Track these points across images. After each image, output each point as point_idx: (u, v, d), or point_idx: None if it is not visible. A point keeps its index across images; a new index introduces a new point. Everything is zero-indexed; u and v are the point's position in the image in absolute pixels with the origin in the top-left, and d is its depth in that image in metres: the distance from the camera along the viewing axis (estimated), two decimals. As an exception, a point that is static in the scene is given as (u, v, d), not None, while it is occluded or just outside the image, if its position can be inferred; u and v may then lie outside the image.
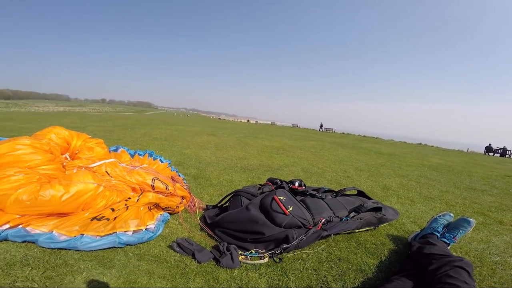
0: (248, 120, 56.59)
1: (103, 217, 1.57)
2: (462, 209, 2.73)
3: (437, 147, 17.69)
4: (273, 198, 1.66)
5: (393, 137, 25.98)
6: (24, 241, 1.37)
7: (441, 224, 1.69)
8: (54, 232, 1.40)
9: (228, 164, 3.84)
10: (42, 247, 1.34)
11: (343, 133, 25.46)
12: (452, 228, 1.65)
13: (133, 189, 1.92)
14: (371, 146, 10.74)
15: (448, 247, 1.58)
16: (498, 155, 18.97)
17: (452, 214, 1.74)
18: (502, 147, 19.74)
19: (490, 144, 20.39)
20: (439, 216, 1.73)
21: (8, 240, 1.37)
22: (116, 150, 2.86)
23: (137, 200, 1.76)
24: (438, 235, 1.63)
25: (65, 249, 1.35)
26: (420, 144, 19.15)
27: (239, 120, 49.24)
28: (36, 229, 1.41)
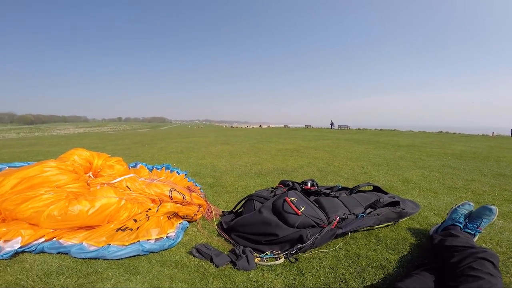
0: (260, 126, 56.77)
1: (127, 227, 1.69)
2: (491, 198, 2.55)
3: (460, 133, 16.81)
4: (285, 200, 1.67)
5: (412, 128, 25.00)
6: (58, 252, 1.51)
7: (461, 215, 1.61)
8: (84, 243, 1.53)
9: (243, 171, 3.88)
10: (74, 257, 1.47)
11: (358, 129, 24.89)
12: (474, 217, 1.58)
13: (153, 201, 2.04)
14: (389, 139, 10.40)
15: (474, 238, 1.52)
16: None
17: (472, 203, 1.66)
18: None
19: None
20: (458, 207, 1.65)
21: (44, 252, 1.51)
22: (135, 166, 3.06)
23: (157, 210, 1.87)
24: (461, 226, 1.56)
25: (95, 258, 1.46)
26: (441, 132, 18.27)
27: (251, 127, 49.50)
28: (68, 241, 1.55)
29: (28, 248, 1.50)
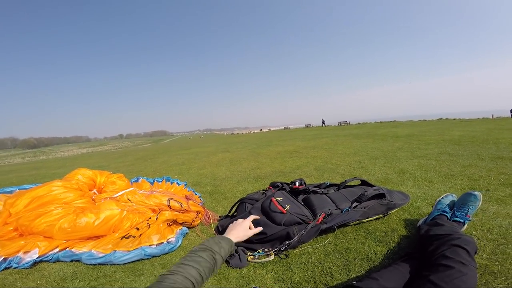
0: (261, 130, 56.88)
1: (130, 235, 1.86)
2: (487, 182, 2.49)
3: (459, 119, 16.73)
4: (271, 200, 1.77)
5: (412, 117, 24.91)
6: (72, 260, 1.71)
7: (446, 205, 1.61)
8: (93, 251, 1.72)
9: (242, 176, 3.97)
10: (85, 263, 1.65)
11: (358, 123, 24.88)
12: (460, 205, 1.56)
13: (153, 210, 2.22)
14: (388, 131, 10.40)
15: (464, 226, 1.49)
16: None
17: (454, 195, 1.68)
18: None
19: None
20: (442, 198, 1.67)
21: (60, 261, 1.72)
22: (137, 181, 3.27)
23: (156, 218, 2.03)
24: (448, 215, 1.53)
25: (103, 264, 1.64)
26: (441, 119, 18.17)
27: (252, 132, 49.67)
28: (79, 250, 1.74)
29: (45, 257, 1.70)
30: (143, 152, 13.09)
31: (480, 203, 1.56)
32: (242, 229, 1.01)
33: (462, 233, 1.25)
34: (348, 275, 1.30)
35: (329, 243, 1.60)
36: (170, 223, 2.05)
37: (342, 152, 5.46)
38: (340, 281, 1.26)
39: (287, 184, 2.21)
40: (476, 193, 1.55)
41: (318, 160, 4.77)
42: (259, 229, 1.07)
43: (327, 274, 1.33)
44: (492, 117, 17.33)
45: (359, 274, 1.30)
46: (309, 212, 1.71)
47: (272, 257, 1.49)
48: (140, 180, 3.29)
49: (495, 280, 1.13)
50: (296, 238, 1.53)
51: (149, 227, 1.95)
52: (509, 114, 18.96)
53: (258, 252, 1.55)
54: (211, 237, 0.92)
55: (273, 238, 1.59)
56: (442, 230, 1.26)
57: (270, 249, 1.55)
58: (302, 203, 1.83)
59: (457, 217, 1.49)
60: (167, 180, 3.35)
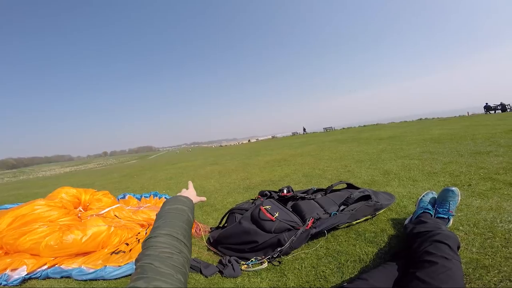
0: (249, 140, 57.10)
1: (120, 251, 1.84)
2: (468, 178, 2.56)
3: (438, 118, 17.53)
4: (260, 209, 1.79)
5: (394, 119, 25.87)
6: (62, 277, 1.68)
7: (428, 203, 1.65)
8: (83, 267, 1.69)
9: (231, 188, 3.95)
10: (76, 279, 1.61)
11: (343, 128, 25.50)
12: (441, 202, 1.60)
13: (142, 225, 2.20)
14: (371, 134, 10.71)
15: (450, 222, 1.52)
16: (500, 111, 18.64)
17: (434, 192, 1.72)
18: (499, 103, 19.47)
19: (487, 103, 20.15)
20: (423, 196, 1.72)
21: (50, 278, 1.68)
22: (124, 197, 3.25)
23: (146, 233, 2.03)
24: (432, 212, 1.57)
25: (95, 279, 1.60)
26: (421, 119, 18.96)
27: (240, 143, 49.77)
28: (69, 266, 1.71)
29: (34, 274, 1.68)
30: (129, 169, 12.76)
31: (459, 198, 1.60)
32: (191, 196, 1.00)
33: (443, 229, 1.27)
34: (342, 277, 1.31)
35: (321, 247, 1.62)
36: None
37: (329, 158, 5.56)
38: (334, 284, 1.27)
39: (275, 192, 2.23)
40: (453, 188, 1.60)
41: (306, 167, 4.82)
42: (204, 198, 1.10)
43: (321, 278, 1.33)
44: (468, 114, 18.33)
45: (353, 276, 1.31)
46: (298, 218, 1.74)
47: (265, 265, 1.50)
48: (127, 197, 3.28)
49: (488, 274, 1.13)
50: (287, 244, 1.54)
51: (139, 242, 1.94)
52: (483, 111, 20.14)
53: (251, 260, 1.55)
54: (171, 197, 0.91)
55: (264, 246, 1.60)
56: (425, 227, 1.28)
57: (263, 257, 1.55)
58: (291, 209, 1.85)
59: (441, 214, 1.53)
60: (155, 195, 3.35)
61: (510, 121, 8.16)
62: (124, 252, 1.82)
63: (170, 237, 0.67)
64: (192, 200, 0.93)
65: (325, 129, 29.88)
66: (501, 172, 2.57)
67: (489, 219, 1.61)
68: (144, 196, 3.32)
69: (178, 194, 0.98)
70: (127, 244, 1.91)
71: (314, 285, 1.29)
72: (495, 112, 18.87)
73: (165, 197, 3.23)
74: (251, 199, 2.30)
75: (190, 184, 1.11)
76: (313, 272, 1.39)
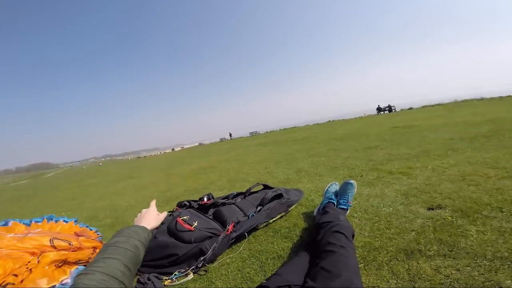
0: (173, 149, 53.90)
1: (8, 283, 1.52)
2: (360, 170, 2.93)
3: (342, 119, 20.77)
4: (176, 220, 1.71)
5: (309, 122, 29.31)
6: None
7: (332, 193, 1.80)
8: None
9: (148, 202, 3.57)
10: None
11: (266, 132, 27.14)
12: (342, 193, 1.75)
13: (32, 253, 1.81)
14: (289, 136, 11.74)
15: (348, 212, 1.68)
16: (388, 112, 22.85)
17: (337, 183, 1.91)
18: (387, 105, 24.35)
19: (378, 105, 25.13)
20: (329, 187, 1.89)
21: None
22: (5, 225, 2.55)
23: (38, 261, 1.67)
24: (335, 202, 1.71)
25: None
26: (329, 121, 22.09)
27: (163, 152, 46.51)
28: None
29: None
30: (16, 191, 10.06)
31: (356, 189, 1.82)
32: (152, 217, 0.97)
33: (342, 219, 1.40)
34: (265, 275, 1.33)
35: (244, 249, 1.63)
36: (60, 264, 1.73)
37: (252, 161, 5.75)
38: (259, 283, 1.29)
39: (195, 201, 2.16)
40: (351, 181, 1.80)
41: (231, 172, 4.85)
42: (165, 213, 1.05)
43: (247, 279, 1.34)
44: (364, 115, 22.28)
45: (273, 272, 1.33)
46: (218, 225, 1.72)
47: (191, 276, 1.43)
48: (10, 223, 2.58)
49: (380, 255, 1.26)
50: (210, 252, 1.52)
51: (31, 271, 1.58)
52: (375, 112, 24.88)
53: (175, 274, 1.46)
54: (122, 228, 0.84)
55: (186, 257, 1.53)
56: (327, 218, 1.41)
57: (187, 268, 1.48)
58: (211, 217, 1.82)
59: (341, 205, 1.69)
60: (50, 219, 2.73)
61: (393, 119, 10.14)
62: (13, 284, 1.47)
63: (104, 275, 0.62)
64: (145, 228, 0.88)
65: (251, 133, 31.17)
66: (384, 163, 3.01)
67: (375, 204, 1.83)
68: (35, 221, 2.68)
69: (136, 218, 0.95)
70: (16, 276, 1.54)
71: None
72: (384, 112, 23.39)
73: (64, 220, 2.67)
74: (169, 212, 2.14)
75: (153, 203, 1.05)
76: (239, 275, 1.38)
